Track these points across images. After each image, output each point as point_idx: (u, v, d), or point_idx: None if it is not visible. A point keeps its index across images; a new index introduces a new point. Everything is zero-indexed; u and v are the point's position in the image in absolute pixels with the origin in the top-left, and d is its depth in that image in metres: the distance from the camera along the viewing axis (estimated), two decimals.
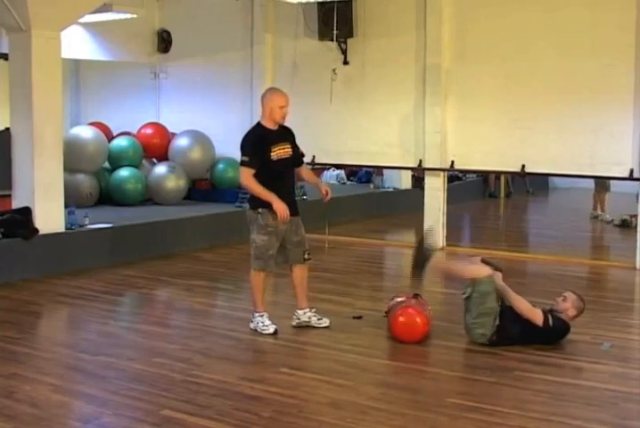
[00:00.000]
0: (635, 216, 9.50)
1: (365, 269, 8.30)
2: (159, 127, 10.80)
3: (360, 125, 9.68)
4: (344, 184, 13.59)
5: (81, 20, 8.95)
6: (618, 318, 6.11)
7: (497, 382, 4.58)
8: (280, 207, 5.40)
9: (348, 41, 9.60)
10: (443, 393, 4.41)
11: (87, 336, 5.73)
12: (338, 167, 13.08)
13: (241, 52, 10.56)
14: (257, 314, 5.62)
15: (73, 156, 9.08)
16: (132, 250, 8.26)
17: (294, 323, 5.74)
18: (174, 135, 10.70)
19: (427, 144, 9.21)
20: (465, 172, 12.43)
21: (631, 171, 8.08)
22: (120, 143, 10.29)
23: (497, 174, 12.51)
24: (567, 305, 5.36)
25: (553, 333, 5.27)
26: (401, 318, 5.39)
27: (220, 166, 10.57)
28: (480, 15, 8.83)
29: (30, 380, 4.58)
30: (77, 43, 10.29)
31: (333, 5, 9.28)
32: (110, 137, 10.52)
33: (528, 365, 4.90)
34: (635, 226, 8.54)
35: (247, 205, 5.71)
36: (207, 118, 10.75)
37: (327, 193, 5.74)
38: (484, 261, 5.50)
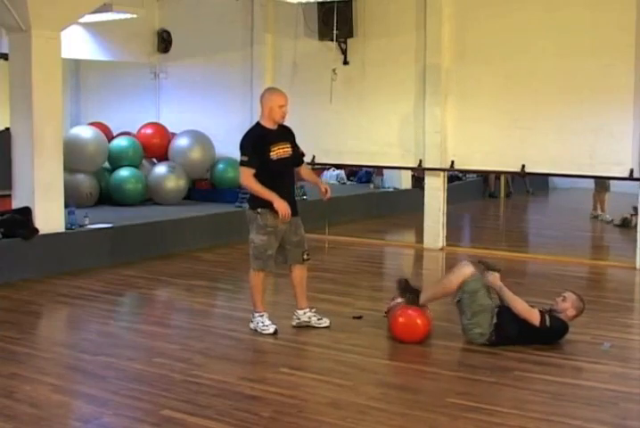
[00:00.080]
0: (635, 214, 9.50)
1: (365, 269, 8.30)
2: (159, 127, 10.80)
3: (360, 125, 9.68)
4: (344, 184, 13.58)
5: (81, 20, 8.96)
6: (618, 318, 6.11)
7: (497, 382, 4.58)
8: (281, 205, 5.40)
9: (348, 41, 9.60)
10: (443, 393, 4.40)
11: (87, 336, 5.73)
12: (338, 167, 13.08)
13: (241, 52, 10.56)
14: (257, 314, 5.62)
15: (73, 156, 9.08)
16: (132, 250, 8.26)
17: (294, 323, 5.74)
18: (174, 135, 10.70)
19: (427, 144, 9.21)
20: (465, 172, 12.42)
21: (631, 171, 8.08)
22: (120, 143, 10.29)
23: (497, 174, 12.51)
24: (566, 305, 5.36)
25: (550, 333, 5.27)
26: (401, 319, 5.39)
27: (220, 166, 10.58)
28: (480, 15, 8.83)
29: (30, 380, 4.59)
30: (77, 43, 10.29)
31: (333, 5, 9.28)
32: (110, 137, 10.52)
33: (527, 365, 4.90)
34: (635, 226, 8.54)
35: (247, 205, 5.71)
36: (207, 118, 10.75)
37: (327, 192, 5.74)
38: (481, 262, 5.51)
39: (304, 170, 5.91)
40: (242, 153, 5.49)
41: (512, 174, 11.05)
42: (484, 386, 4.54)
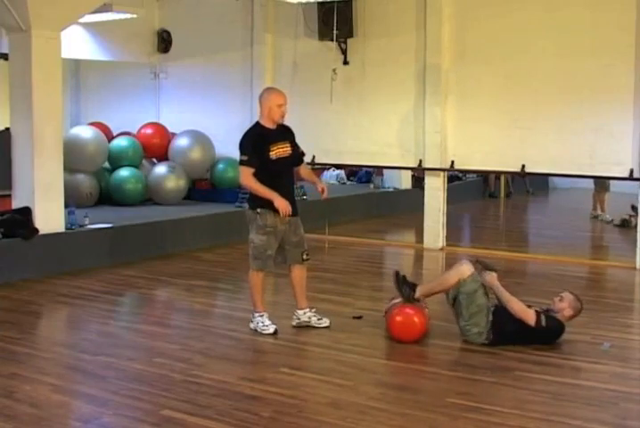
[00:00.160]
0: (635, 215, 9.50)
1: (365, 269, 8.30)
2: (159, 127, 10.80)
3: (360, 125, 9.68)
4: (344, 184, 13.59)
5: (81, 20, 8.96)
6: (618, 318, 6.11)
7: (497, 382, 4.58)
8: (281, 203, 5.40)
9: (348, 41, 9.60)
10: (443, 393, 4.40)
11: (87, 336, 5.73)
12: (338, 167, 13.08)
13: (241, 52, 10.56)
14: (257, 314, 5.62)
15: (73, 156, 9.08)
16: (132, 250, 8.26)
17: (294, 323, 5.74)
18: (174, 135, 10.71)
19: (427, 144, 9.21)
20: (465, 172, 12.42)
21: (631, 171, 8.08)
22: (120, 143, 10.29)
23: (497, 174, 12.51)
24: (563, 305, 5.36)
25: (546, 333, 5.26)
26: (398, 318, 5.38)
27: (220, 166, 10.58)
28: (480, 15, 8.83)
29: (30, 380, 4.59)
30: (77, 43, 10.29)
31: (333, 5, 9.29)
32: (110, 137, 10.52)
33: (527, 365, 4.90)
34: (635, 226, 8.54)
35: (246, 205, 5.71)
36: (207, 118, 10.75)
37: (323, 191, 5.73)
38: (478, 261, 5.51)
39: (303, 170, 5.90)
40: (242, 153, 5.49)
41: (512, 174, 11.05)
42: (484, 386, 4.54)
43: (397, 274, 5.52)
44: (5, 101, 7.73)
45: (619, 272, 8.16)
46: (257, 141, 5.49)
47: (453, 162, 9.14)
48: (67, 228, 7.76)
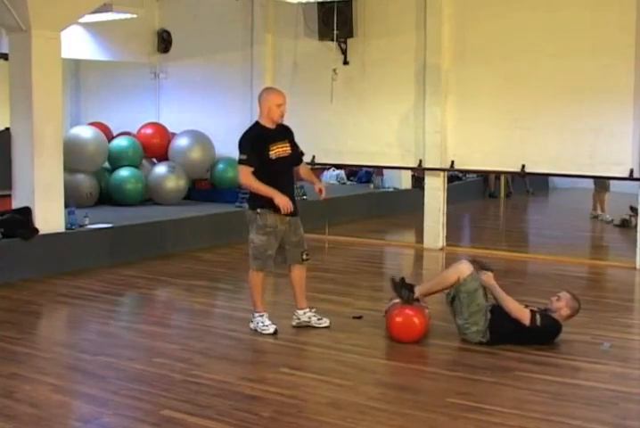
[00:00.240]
0: (635, 215, 9.50)
1: (365, 269, 8.30)
2: (159, 127, 10.80)
3: (360, 125, 9.68)
4: (344, 184, 13.59)
5: (81, 20, 8.95)
6: (618, 318, 6.11)
7: (497, 382, 4.58)
8: (282, 200, 5.39)
9: (348, 41, 9.60)
10: (443, 393, 4.40)
11: (87, 336, 5.73)
12: (338, 167, 13.08)
13: (241, 52, 10.56)
14: (257, 314, 5.62)
15: (73, 156, 9.07)
16: (132, 250, 8.26)
17: (294, 323, 5.74)
18: (174, 135, 10.71)
19: (427, 144, 9.21)
20: (465, 172, 12.42)
21: (631, 171, 8.08)
22: (120, 143, 10.29)
23: (497, 174, 12.51)
24: (560, 304, 5.36)
25: (542, 333, 5.26)
26: (398, 319, 5.38)
27: (220, 166, 10.57)
28: (480, 15, 8.83)
29: (30, 380, 4.59)
30: (77, 43, 10.29)
31: (333, 5, 9.29)
32: (110, 137, 10.52)
33: (527, 365, 4.90)
34: (635, 226, 8.54)
35: (246, 205, 5.71)
36: (207, 118, 10.75)
37: (321, 192, 5.73)
38: (475, 261, 5.51)
39: (303, 169, 5.90)
40: (241, 152, 5.49)
41: (512, 174, 11.05)
42: (484, 386, 4.54)
43: (393, 280, 5.53)
44: (5, 101, 7.73)
45: (619, 272, 8.16)
46: (256, 140, 5.49)
47: (453, 162, 9.14)
48: (67, 228, 7.76)
